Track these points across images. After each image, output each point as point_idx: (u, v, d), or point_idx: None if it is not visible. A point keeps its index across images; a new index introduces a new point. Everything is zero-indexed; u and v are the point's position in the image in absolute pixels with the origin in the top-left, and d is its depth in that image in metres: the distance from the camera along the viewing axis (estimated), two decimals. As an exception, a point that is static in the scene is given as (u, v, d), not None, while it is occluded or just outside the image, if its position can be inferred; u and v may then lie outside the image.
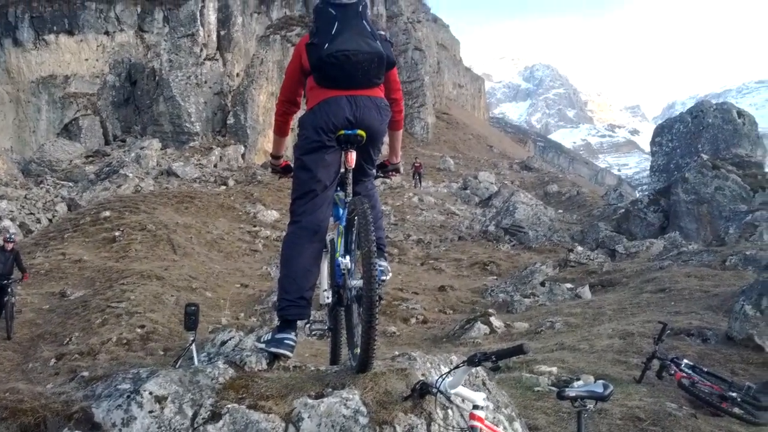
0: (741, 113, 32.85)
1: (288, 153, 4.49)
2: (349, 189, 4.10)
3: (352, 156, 4.04)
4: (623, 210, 28.24)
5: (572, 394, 3.86)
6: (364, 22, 4.06)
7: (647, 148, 41.21)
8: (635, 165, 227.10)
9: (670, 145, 34.26)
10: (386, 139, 4.39)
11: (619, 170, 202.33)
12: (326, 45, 3.89)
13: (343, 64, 3.88)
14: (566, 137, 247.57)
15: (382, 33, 4.16)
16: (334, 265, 4.02)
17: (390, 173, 4.82)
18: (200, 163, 37.66)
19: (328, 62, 3.89)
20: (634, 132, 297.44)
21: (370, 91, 4.03)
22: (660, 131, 35.87)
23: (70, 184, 32.17)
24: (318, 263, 4.09)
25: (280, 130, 4.50)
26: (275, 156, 4.62)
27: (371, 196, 4.30)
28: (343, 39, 3.91)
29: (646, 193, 34.16)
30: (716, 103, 36.26)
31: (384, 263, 4.13)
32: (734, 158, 28.26)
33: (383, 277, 3.97)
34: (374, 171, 4.46)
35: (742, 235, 21.09)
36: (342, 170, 4.14)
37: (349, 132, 3.96)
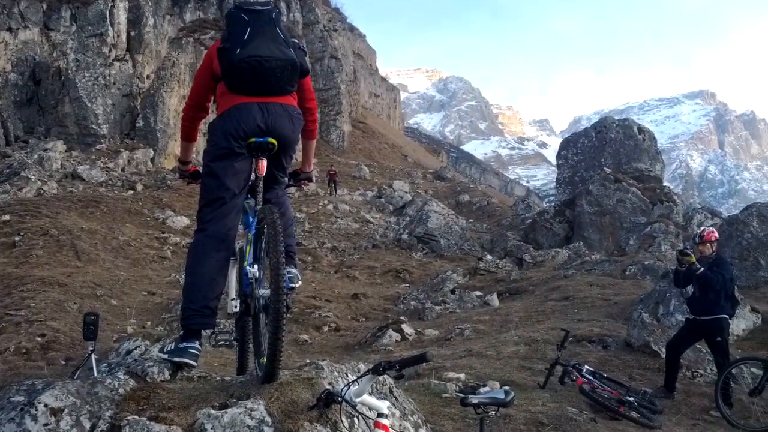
0: (642, 129, 34.53)
1: (198, 158, 4.38)
2: (260, 197, 4.05)
3: (263, 164, 4.00)
4: (531, 220, 29.13)
5: (475, 401, 3.96)
6: (277, 29, 3.99)
7: (554, 161, 42.60)
8: (543, 177, 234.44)
9: (575, 159, 35.60)
10: (299, 147, 4.38)
11: (527, 181, 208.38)
12: (238, 50, 3.82)
13: (255, 70, 3.83)
14: (478, 148, 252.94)
15: (296, 41, 4.11)
16: (242, 274, 3.98)
17: (302, 182, 4.84)
18: (107, 167, 36.39)
19: (240, 67, 3.83)
20: (543, 145, 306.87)
21: (282, 99, 3.98)
22: (566, 145, 37.25)
23: (-34, 186, 30.52)
24: (225, 272, 4.02)
25: (188, 135, 4.42)
26: (183, 161, 4.53)
27: (282, 203, 4.29)
28: (256, 45, 3.84)
29: (553, 204, 35.36)
30: (619, 119, 37.99)
31: (294, 270, 4.09)
32: (635, 172, 29.66)
33: (292, 285, 3.91)
34: (286, 179, 4.44)
35: (642, 245, 22.14)
36: (252, 178, 4.08)
37: (260, 140, 3.91)
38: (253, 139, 3.90)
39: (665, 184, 31.77)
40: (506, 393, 4.03)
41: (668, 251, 20.22)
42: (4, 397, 3.55)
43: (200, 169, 4.29)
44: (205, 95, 4.19)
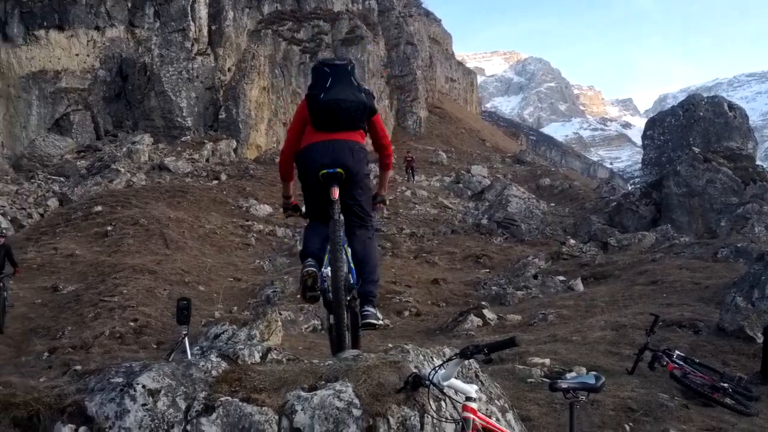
0: (732, 106, 33.02)
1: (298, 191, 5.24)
2: (337, 215, 4.80)
3: (335, 190, 4.79)
4: (615, 203, 28.34)
5: (564, 385, 3.88)
6: (352, 78, 4.97)
7: (639, 142, 41.34)
8: (627, 158, 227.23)
9: (661, 139, 34.38)
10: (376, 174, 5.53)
11: (611, 163, 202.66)
12: (322, 95, 4.81)
13: (334, 111, 4.79)
14: (558, 131, 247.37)
15: (367, 88, 5.15)
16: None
17: (377, 204, 5.64)
18: (192, 158, 37.48)
19: (323, 109, 4.79)
20: (626, 125, 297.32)
21: (348, 135, 4.88)
22: (651, 125, 35.99)
23: (62, 179, 32.00)
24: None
25: (286, 175, 5.29)
26: (285, 196, 5.44)
27: (363, 247, 4.90)
28: (336, 91, 4.82)
29: (638, 186, 34.28)
30: (707, 97, 36.43)
31: (372, 309, 4.66)
32: (725, 151, 28.37)
33: (371, 321, 4.61)
34: (371, 219, 5.12)
35: (734, 227, 21.21)
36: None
37: (330, 171, 4.75)
38: (324, 171, 4.75)
39: (758, 163, 30.26)
40: (596, 378, 3.94)
41: (762, 233, 19.35)
42: (104, 378, 3.69)
43: (300, 203, 5.31)
44: (298, 140, 5.02)
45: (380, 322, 4.72)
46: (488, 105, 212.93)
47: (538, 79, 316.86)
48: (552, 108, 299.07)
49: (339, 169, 4.74)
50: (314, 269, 4.69)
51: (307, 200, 5.05)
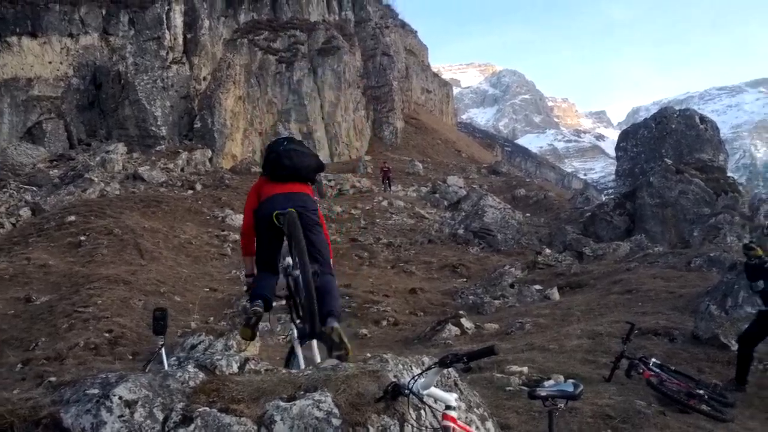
0: (703, 119, 33.60)
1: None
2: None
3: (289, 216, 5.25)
4: (590, 213, 28.62)
5: (543, 393, 3.90)
6: (303, 143, 5.83)
7: (612, 153, 41.79)
8: (600, 169, 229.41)
9: (634, 150, 34.86)
10: None
11: (585, 174, 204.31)
12: (281, 147, 5.46)
13: (292, 158, 5.36)
14: (533, 142, 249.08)
15: (315, 153, 5.83)
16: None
17: None
18: (167, 168, 37.19)
19: (280, 160, 5.36)
20: (600, 137, 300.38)
21: (302, 188, 5.39)
22: (625, 137, 36.51)
23: (34, 188, 31.53)
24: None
25: (248, 250, 5.53)
26: (248, 275, 5.58)
27: (325, 283, 5.17)
28: (290, 146, 5.49)
29: (612, 196, 34.65)
30: (679, 110, 37.06)
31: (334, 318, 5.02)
32: (697, 163, 28.83)
33: (333, 324, 4.93)
34: (326, 259, 5.35)
35: (706, 237, 21.53)
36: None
37: (282, 210, 5.15)
38: (277, 212, 5.16)
39: (729, 174, 30.74)
40: (575, 385, 3.96)
41: (734, 242, 19.63)
42: (79, 389, 3.63)
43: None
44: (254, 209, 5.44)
45: (336, 324, 4.90)
46: (464, 116, 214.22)
47: (512, 91, 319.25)
48: (527, 119, 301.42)
49: (290, 209, 5.13)
50: (260, 310, 5.05)
51: (259, 250, 5.40)
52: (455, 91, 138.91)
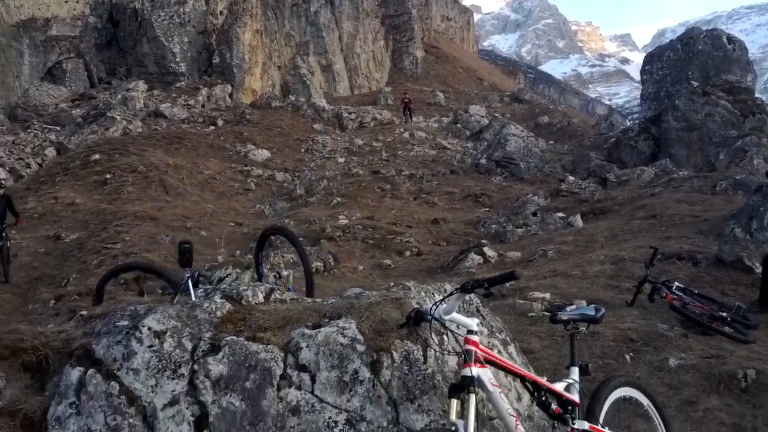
0: (731, 39, 32.55)
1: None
2: None
3: None
4: (614, 139, 28.22)
5: (565, 317, 3.92)
6: None
7: (637, 77, 40.88)
8: (626, 94, 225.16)
9: (660, 73, 34.01)
10: None
11: (609, 100, 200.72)
12: None
13: None
14: (556, 68, 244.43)
15: None
16: None
17: None
18: (188, 104, 37.14)
19: None
20: (624, 61, 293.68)
21: None
22: (650, 59, 35.56)
23: (58, 128, 31.74)
24: None
25: None
26: None
27: None
28: None
29: (637, 121, 34.06)
30: (706, 30, 35.93)
31: None
32: (724, 84, 28.10)
33: None
34: None
35: (732, 160, 21.19)
36: None
37: None
38: None
39: (757, 95, 29.95)
40: (596, 309, 3.97)
41: (761, 165, 19.30)
42: (110, 322, 3.73)
43: None
44: None
45: None
46: (485, 43, 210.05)
47: (535, 16, 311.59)
48: (550, 45, 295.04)
49: None
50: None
51: None
52: (476, 17, 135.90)
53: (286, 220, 18.09)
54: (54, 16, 40.00)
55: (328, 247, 15.33)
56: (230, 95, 41.08)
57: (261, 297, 4.20)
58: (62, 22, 40.25)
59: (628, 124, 41.24)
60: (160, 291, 12.04)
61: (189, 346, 3.53)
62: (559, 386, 3.67)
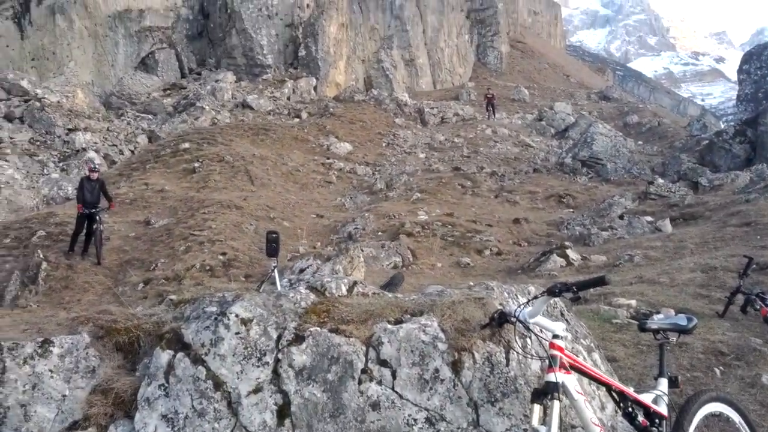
0: (839, 37, 30.80)
1: None
2: None
3: None
4: (707, 141, 27.13)
5: (654, 326, 3.79)
6: None
7: (733, 77, 39.22)
8: (720, 94, 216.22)
9: (758, 73, 32.65)
10: None
11: (702, 100, 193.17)
12: None
13: None
14: (647, 66, 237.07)
15: None
16: None
17: None
18: (274, 96, 37.86)
19: None
20: (720, 60, 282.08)
21: None
22: (748, 58, 34.17)
23: (150, 116, 32.96)
24: None
25: None
26: None
27: None
28: None
29: (732, 123, 32.72)
30: (812, 27, 34.10)
31: None
32: (831, 85, 26.61)
33: None
34: None
35: (836, 167, 20.06)
36: None
37: None
38: None
39: None
40: (688, 319, 3.83)
41: None
42: (199, 307, 3.84)
43: None
44: None
45: None
46: (573, 39, 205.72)
47: (626, 11, 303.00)
48: (640, 41, 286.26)
49: None
50: None
51: None
52: (564, 12, 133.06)
53: (366, 214, 18.19)
54: (148, 7, 41.45)
55: (407, 243, 15.34)
56: (315, 88, 41.62)
57: (344, 290, 4.24)
58: (156, 13, 41.67)
59: (722, 126, 39.56)
60: (243, 279, 12.35)
61: (274, 334, 3.60)
62: (646, 398, 3.55)
